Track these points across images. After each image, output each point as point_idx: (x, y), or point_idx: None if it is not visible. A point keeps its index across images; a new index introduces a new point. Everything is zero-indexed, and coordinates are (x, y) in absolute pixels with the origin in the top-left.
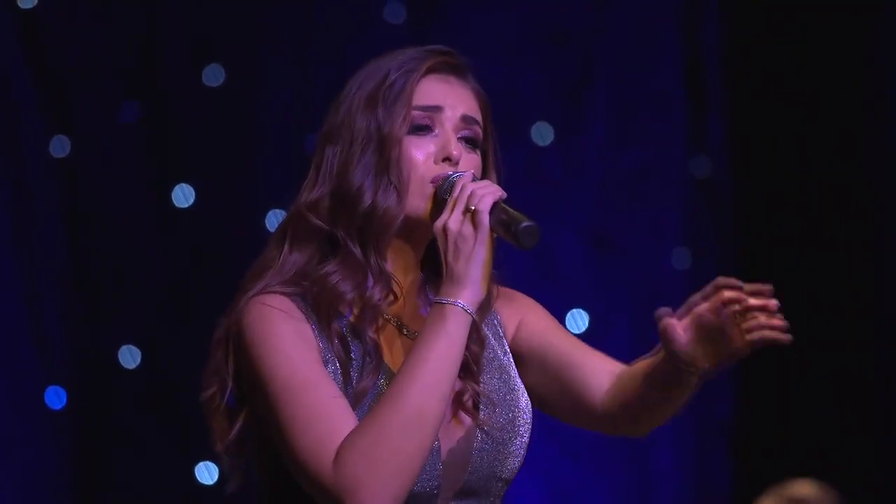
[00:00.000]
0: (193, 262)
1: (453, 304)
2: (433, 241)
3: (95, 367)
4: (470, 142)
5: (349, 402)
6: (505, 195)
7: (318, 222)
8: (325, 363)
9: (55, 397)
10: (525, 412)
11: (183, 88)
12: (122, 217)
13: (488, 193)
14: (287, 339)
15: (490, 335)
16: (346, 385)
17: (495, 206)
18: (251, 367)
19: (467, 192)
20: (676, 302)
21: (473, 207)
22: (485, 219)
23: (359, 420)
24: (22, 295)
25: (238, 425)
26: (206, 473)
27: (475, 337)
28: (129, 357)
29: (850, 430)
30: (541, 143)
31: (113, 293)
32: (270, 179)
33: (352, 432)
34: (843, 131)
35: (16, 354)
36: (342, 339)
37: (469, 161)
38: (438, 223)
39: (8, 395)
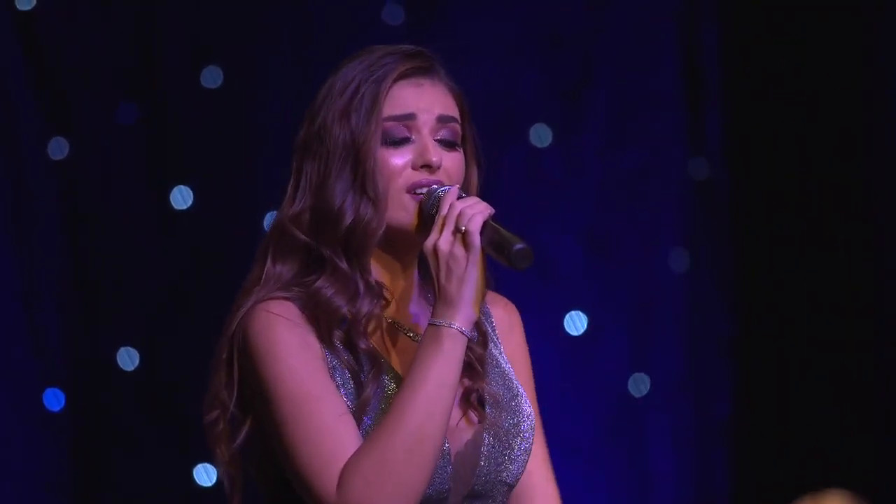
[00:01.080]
0: (192, 263)
1: (448, 326)
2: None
3: (94, 368)
4: (448, 143)
5: (356, 410)
6: (493, 211)
7: (304, 237)
8: (332, 371)
9: (54, 399)
10: (528, 417)
11: (182, 89)
12: (122, 218)
13: (478, 213)
14: (292, 350)
15: (490, 345)
16: (358, 392)
17: (485, 225)
18: (256, 375)
19: (456, 212)
20: (675, 302)
21: (464, 228)
22: (476, 240)
23: (365, 429)
24: (21, 296)
25: (242, 434)
26: (205, 475)
27: (476, 336)
28: (128, 359)
29: (850, 430)
30: (539, 145)
31: (112, 294)
32: (270, 180)
33: (355, 454)
34: (843, 131)
35: (14, 356)
36: (347, 348)
37: (450, 161)
38: (428, 243)
39: (6, 397)
